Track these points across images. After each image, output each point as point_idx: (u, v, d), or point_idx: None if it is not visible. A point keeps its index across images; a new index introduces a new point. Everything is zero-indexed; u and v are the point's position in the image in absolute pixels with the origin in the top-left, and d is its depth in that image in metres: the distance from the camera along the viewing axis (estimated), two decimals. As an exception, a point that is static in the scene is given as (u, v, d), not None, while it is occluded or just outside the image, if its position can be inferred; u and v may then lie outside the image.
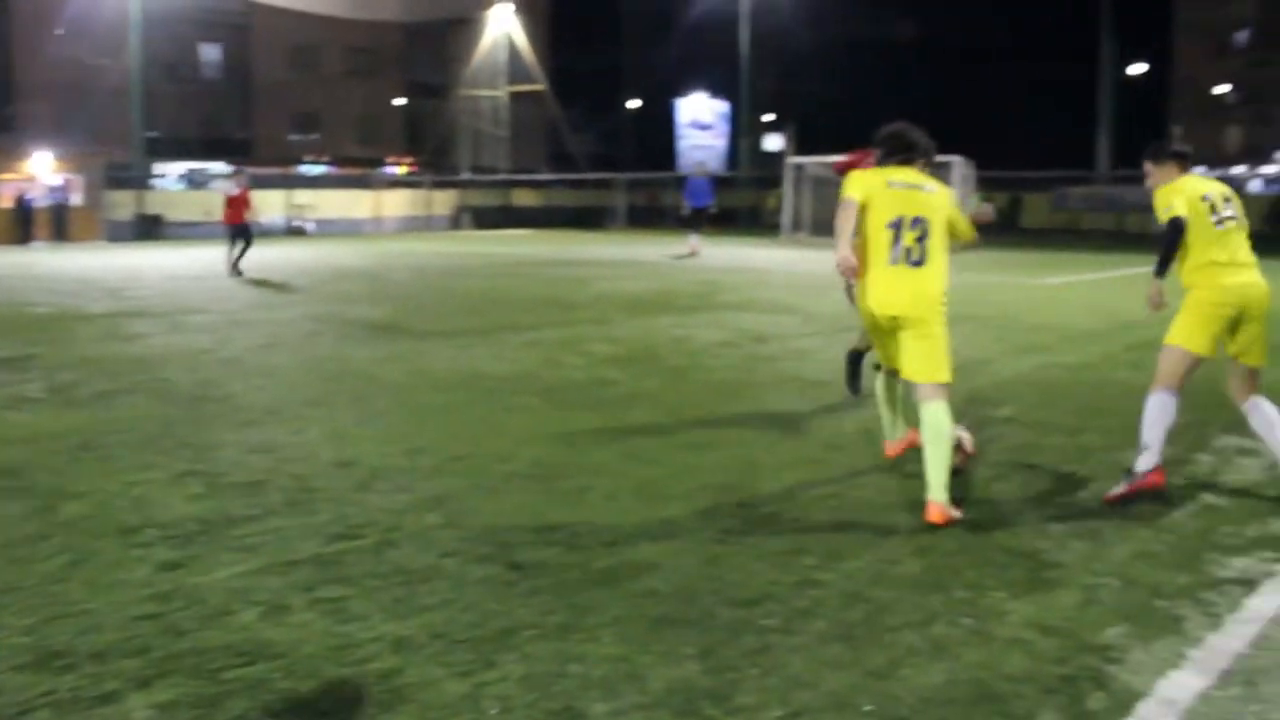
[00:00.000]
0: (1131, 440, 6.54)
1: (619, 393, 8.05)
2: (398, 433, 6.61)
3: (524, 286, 17.62)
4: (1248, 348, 5.62)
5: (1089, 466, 6.00)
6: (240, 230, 19.15)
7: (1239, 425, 7.02)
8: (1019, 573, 4.35)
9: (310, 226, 41.37)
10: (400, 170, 55.51)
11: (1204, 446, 6.53)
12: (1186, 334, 5.55)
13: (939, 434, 5.02)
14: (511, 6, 53.10)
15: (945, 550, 4.59)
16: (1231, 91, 76.41)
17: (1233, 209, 5.59)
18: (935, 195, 5.29)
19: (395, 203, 46.50)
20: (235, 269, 18.72)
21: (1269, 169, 62.33)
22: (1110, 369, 9.34)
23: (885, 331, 5.29)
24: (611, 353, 9.99)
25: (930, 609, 3.95)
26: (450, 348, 10.23)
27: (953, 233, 5.30)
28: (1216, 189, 5.70)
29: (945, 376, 5.13)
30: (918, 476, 5.14)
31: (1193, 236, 5.45)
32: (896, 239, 5.13)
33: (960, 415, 7.21)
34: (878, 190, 5.22)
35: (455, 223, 48.16)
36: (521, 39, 53.10)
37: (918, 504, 5.08)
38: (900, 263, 5.13)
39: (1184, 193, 5.55)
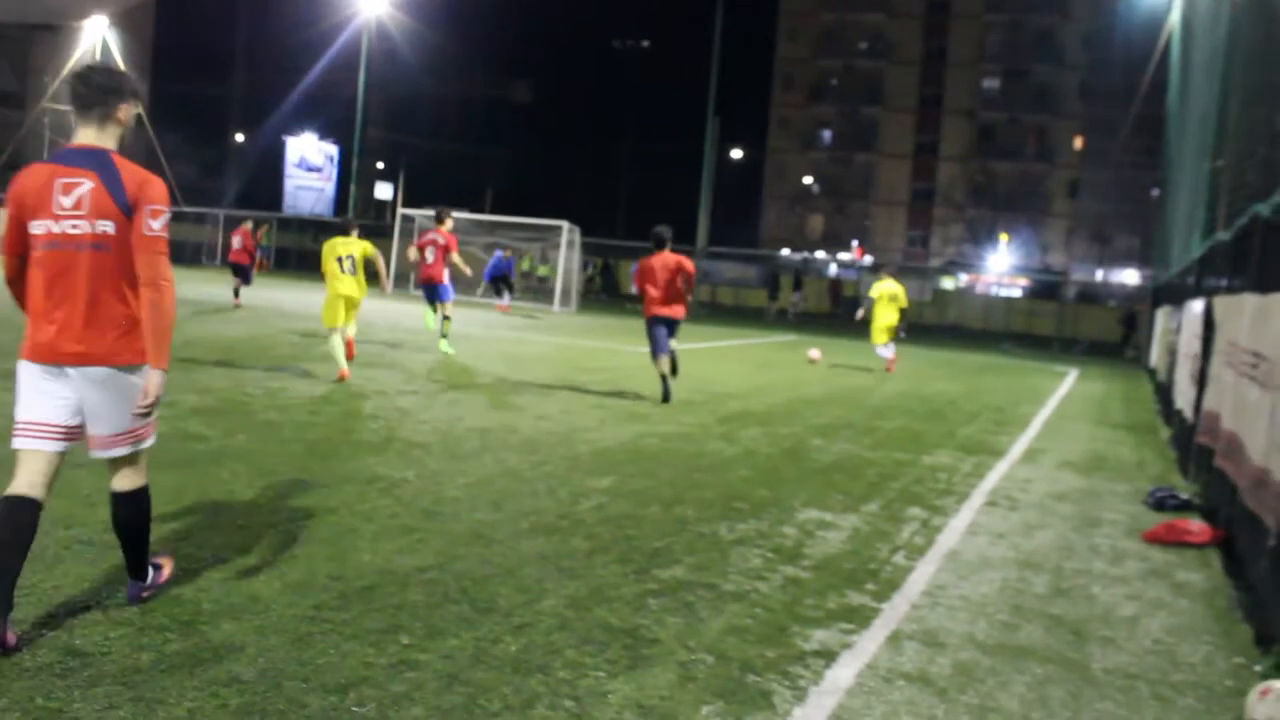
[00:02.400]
0: (725, 513, 6.86)
1: (206, 449, 7.47)
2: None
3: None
4: None
5: (684, 538, 6.15)
6: None
7: (820, 499, 7.54)
8: (618, 650, 4.34)
9: None
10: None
11: (789, 520, 6.88)
12: None
13: None
14: (107, 20, 49.55)
15: (545, 628, 4.51)
16: (815, 183, 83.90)
17: None
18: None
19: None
20: None
21: (844, 255, 68.76)
22: (704, 440, 9.76)
23: None
24: (199, 404, 9.30)
25: (531, 691, 3.85)
26: (7, 393, 9.15)
27: None
28: None
29: None
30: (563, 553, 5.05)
31: None
32: None
33: (563, 482, 7.30)
34: None
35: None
36: (117, 55, 49.59)
37: (518, 576, 5.00)
38: None
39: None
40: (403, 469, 7.35)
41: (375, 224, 46.16)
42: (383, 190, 67.34)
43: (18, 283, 4.15)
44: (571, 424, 9.97)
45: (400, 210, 36.58)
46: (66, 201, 3.99)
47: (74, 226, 3.97)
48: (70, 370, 4.00)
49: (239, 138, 78.96)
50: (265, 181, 67.43)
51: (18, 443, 4.02)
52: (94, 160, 4.05)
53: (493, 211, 36.60)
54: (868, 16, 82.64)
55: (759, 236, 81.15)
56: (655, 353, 12.41)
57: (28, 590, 4.33)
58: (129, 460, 4.33)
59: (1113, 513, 8.21)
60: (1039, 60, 78.08)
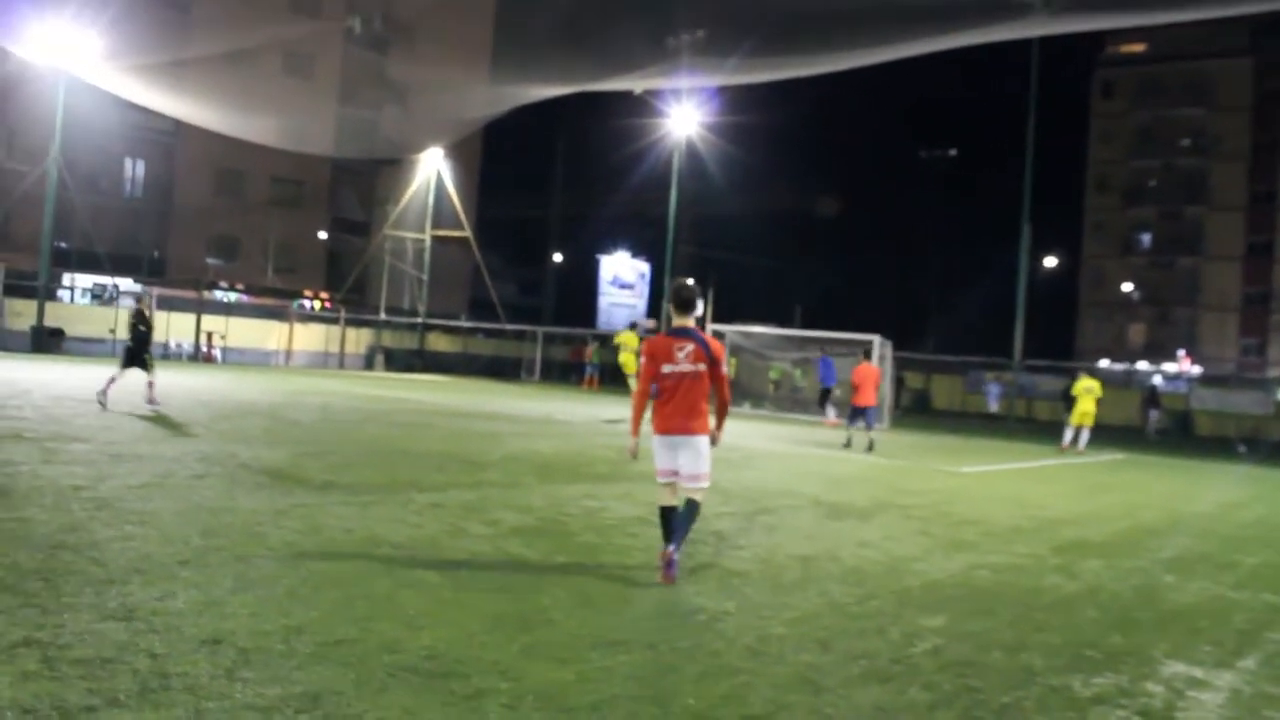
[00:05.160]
0: (1076, 663, 6.13)
1: (526, 571, 7.44)
2: (278, 605, 5.91)
3: (433, 438, 16.99)
4: None
5: (1033, 693, 5.50)
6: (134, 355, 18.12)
7: (1185, 650, 6.66)
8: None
9: (216, 354, 40.36)
10: (316, 305, 54.80)
11: (1152, 674, 6.07)
12: None
13: None
14: (442, 153, 53.47)
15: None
16: (1134, 289, 79.47)
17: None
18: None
19: (308, 337, 45.78)
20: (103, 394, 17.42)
21: (1170, 366, 64.38)
22: (1040, 573, 8.96)
23: None
24: (519, 523, 9.38)
25: None
26: (349, 504, 9.55)
27: None
28: None
29: None
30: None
31: None
32: None
33: (893, 619, 6.78)
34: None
35: (368, 363, 47.52)
36: (450, 184, 53.36)
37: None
38: None
39: None
40: (722, 600, 7.04)
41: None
42: (691, 305, 68.79)
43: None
44: (895, 552, 9.40)
45: (710, 325, 37.07)
46: (681, 355, 7.54)
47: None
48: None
49: (557, 257, 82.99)
50: (580, 299, 70.36)
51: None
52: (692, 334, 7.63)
53: (802, 326, 36.47)
54: (1187, 112, 78.41)
55: (1074, 347, 77.32)
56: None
57: (354, 718, 4.26)
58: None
59: None
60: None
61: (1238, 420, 38.89)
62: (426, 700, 4.62)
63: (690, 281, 7.82)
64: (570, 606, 6.51)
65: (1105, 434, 35.41)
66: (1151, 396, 38.03)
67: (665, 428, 7.62)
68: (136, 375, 17.93)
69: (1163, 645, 6.81)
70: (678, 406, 7.57)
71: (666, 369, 7.56)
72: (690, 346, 7.53)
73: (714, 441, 7.75)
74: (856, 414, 21.72)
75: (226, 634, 5.28)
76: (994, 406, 39.21)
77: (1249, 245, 76.71)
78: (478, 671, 5.06)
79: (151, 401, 17.74)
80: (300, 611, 5.81)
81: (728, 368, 8.13)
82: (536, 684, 4.98)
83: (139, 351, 18.14)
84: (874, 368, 22.53)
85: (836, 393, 30.31)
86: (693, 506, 7.69)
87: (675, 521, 7.61)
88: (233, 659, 4.92)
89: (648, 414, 7.77)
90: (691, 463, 7.61)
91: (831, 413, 29.59)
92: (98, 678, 4.54)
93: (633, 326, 29.64)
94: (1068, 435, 26.24)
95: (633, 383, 24.18)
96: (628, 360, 25.73)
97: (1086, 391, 25.96)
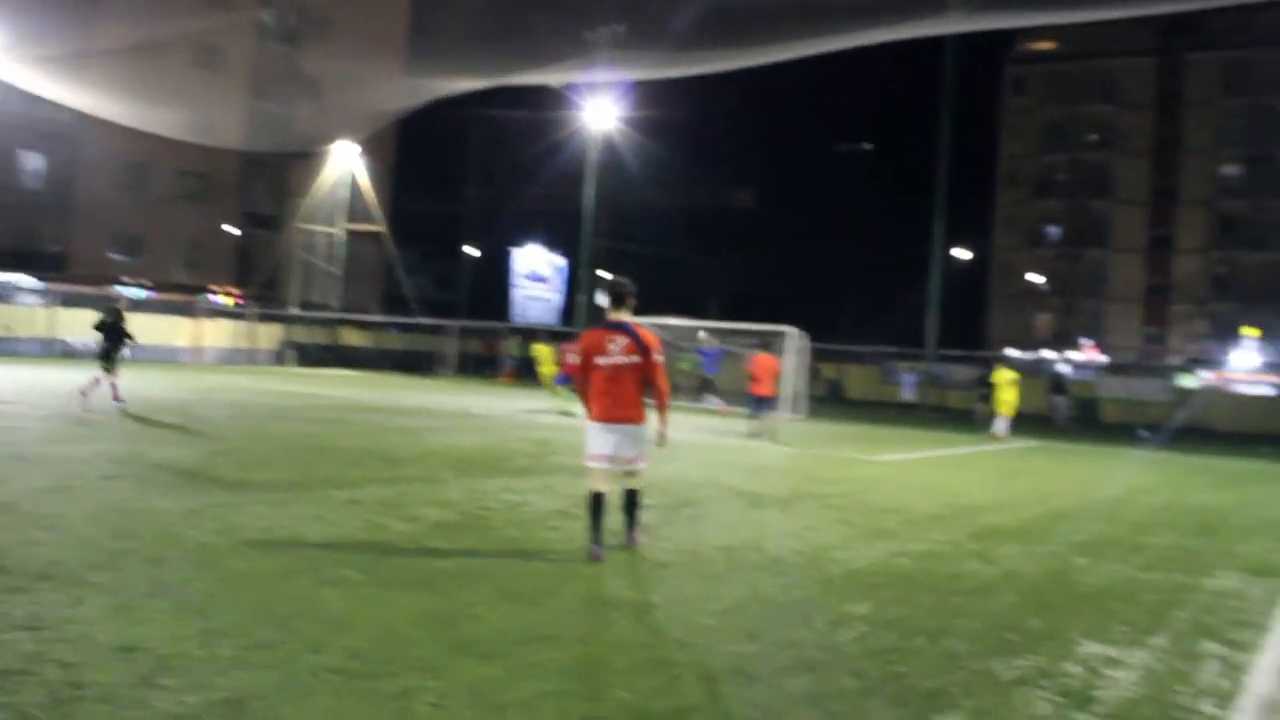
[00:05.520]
0: (998, 647, 6.22)
1: (449, 567, 7.34)
2: (195, 608, 5.75)
3: (349, 435, 16.74)
4: None
5: (958, 678, 5.56)
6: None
7: (1100, 630, 6.79)
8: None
9: (125, 352, 39.37)
10: (226, 300, 53.71)
11: (1069, 655, 6.17)
12: None
13: None
14: (356, 146, 52.73)
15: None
16: (1043, 281, 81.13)
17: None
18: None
19: (217, 333, 44.86)
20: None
21: (1076, 355, 65.87)
22: (959, 559, 9.08)
23: None
24: (440, 519, 9.27)
25: None
26: (264, 503, 9.35)
27: None
28: None
29: None
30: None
31: None
32: None
33: (819, 608, 6.81)
34: None
35: (280, 358, 46.72)
36: (364, 178, 52.64)
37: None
38: None
39: None
40: (649, 592, 7.03)
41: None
42: (607, 299, 68.74)
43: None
44: (817, 541, 9.46)
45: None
46: (613, 348, 7.94)
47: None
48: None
49: (471, 251, 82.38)
50: (495, 292, 69.88)
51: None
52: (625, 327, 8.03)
53: (719, 318, 36.57)
54: (1095, 109, 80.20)
55: (985, 337, 78.77)
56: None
57: (280, 727, 4.16)
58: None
59: None
60: (1285, 143, 73.74)
61: (1141, 407, 39.89)
62: (353, 701, 4.52)
63: (624, 279, 8.28)
64: (495, 601, 6.44)
65: (1016, 422, 36.09)
66: (1057, 384, 38.85)
67: (602, 416, 7.97)
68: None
69: (1078, 626, 6.94)
70: (614, 396, 7.92)
71: (600, 361, 7.93)
72: (623, 339, 7.92)
73: (661, 441, 8.24)
74: (757, 404, 21.98)
75: (142, 640, 5.12)
76: (909, 395, 39.76)
77: (1151, 238, 78.71)
78: (404, 670, 4.97)
79: (117, 399, 17.65)
80: (219, 614, 5.67)
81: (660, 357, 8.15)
82: (465, 681, 4.91)
83: (112, 352, 18.04)
84: (772, 358, 22.69)
85: (718, 382, 31.27)
86: (633, 496, 8.25)
87: (623, 506, 8.30)
88: (150, 666, 4.76)
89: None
90: (628, 448, 7.99)
91: (715, 401, 30.02)
92: (5, 690, 4.37)
93: (550, 338, 29.78)
94: (999, 424, 27.24)
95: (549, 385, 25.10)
96: (548, 373, 26.05)
97: (1009, 382, 27.03)
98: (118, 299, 20.18)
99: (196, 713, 4.23)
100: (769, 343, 25.05)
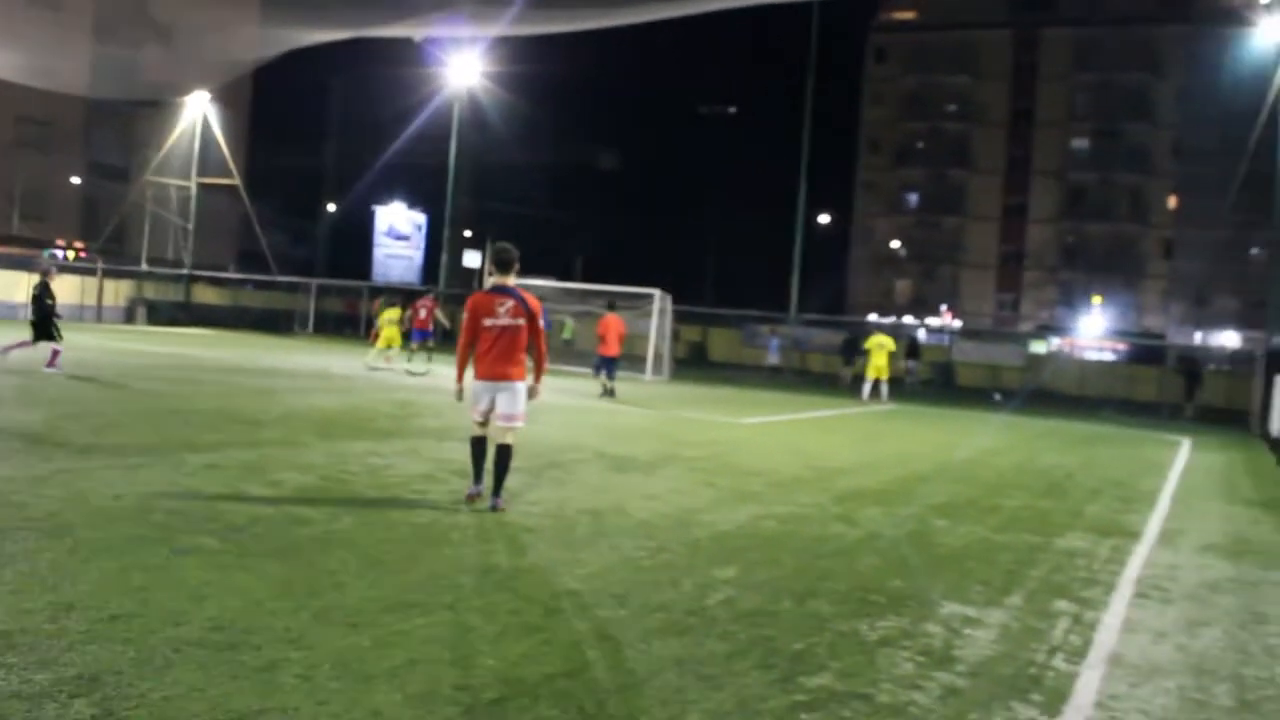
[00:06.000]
0: (862, 608, 6.37)
1: (312, 533, 7.19)
2: (42, 581, 5.50)
3: (204, 396, 16.24)
4: None
5: (824, 639, 5.68)
6: None
7: (959, 591, 7.01)
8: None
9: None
10: (70, 255, 51.41)
11: (931, 615, 6.36)
12: None
13: None
14: (208, 95, 50.86)
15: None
16: (902, 247, 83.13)
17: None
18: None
19: (62, 289, 42.91)
20: None
21: (933, 320, 67.69)
22: (823, 522, 9.28)
23: None
24: (301, 483, 9.06)
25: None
26: (115, 468, 9.00)
27: None
28: None
29: None
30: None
31: None
32: None
33: (685, 572, 6.88)
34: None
35: (129, 315, 45.04)
36: (217, 130, 50.85)
37: (657, 686, 4.58)
38: None
39: None
40: (516, 557, 7.00)
41: (464, 292, 46.45)
42: (471, 258, 68.00)
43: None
44: (683, 505, 9.55)
45: (489, 279, 36.74)
46: (501, 310, 8.43)
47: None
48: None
49: (331, 207, 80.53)
50: (355, 250, 68.51)
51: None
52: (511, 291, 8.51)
53: (583, 279, 36.54)
54: (953, 79, 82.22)
55: (846, 302, 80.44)
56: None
57: (135, 701, 4.01)
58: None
59: (1277, 606, 7.56)
60: (1130, 119, 76.85)
61: (994, 371, 41.27)
62: (215, 674, 4.39)
63: (509, 244, 8.73)
64: (360, 569, 6.33)
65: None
66: (911, 348, 39.90)
67: (486, 374, 8.46)
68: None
69: (939, 587, 7.16)
70: (498, 355, 8.43)
71: (488, 322, 8.42)
72: (510, 303, 8.44)
73: (533, 394, 8.70)
74: (602, 364, 22.68)
75: (-15, 613, 4.88)
76: (774, 359, 40.41)
77: (1006, 207, 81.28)
78: (268, 641, 4.85)
79: (51, 366, 17.49)
80: (68, 587, 5.44)
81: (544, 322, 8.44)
82: (331, 651, 4.81)
83: (47, 322, 18.01)
84: (618, 319, 23.16)
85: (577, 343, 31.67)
86: (505, 451, 8.54)
87: (494, 464, 8.57)
88: (-6, 640, 4.55)
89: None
90: (508, 404, 8.48)
91: None
92: None
93: (393, 302, 29.24)
94: (866, 388, 28.07)
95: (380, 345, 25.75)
96: (392, 334, 25.81)
97: (879, 346, 27.75)
98: (47, 270, 19.56)
99: (46, 691, 4.05)
100: (614, 303, 25.16)
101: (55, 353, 17.79)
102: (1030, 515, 10.75)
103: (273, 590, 5.70)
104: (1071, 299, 76.48)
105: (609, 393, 22.12)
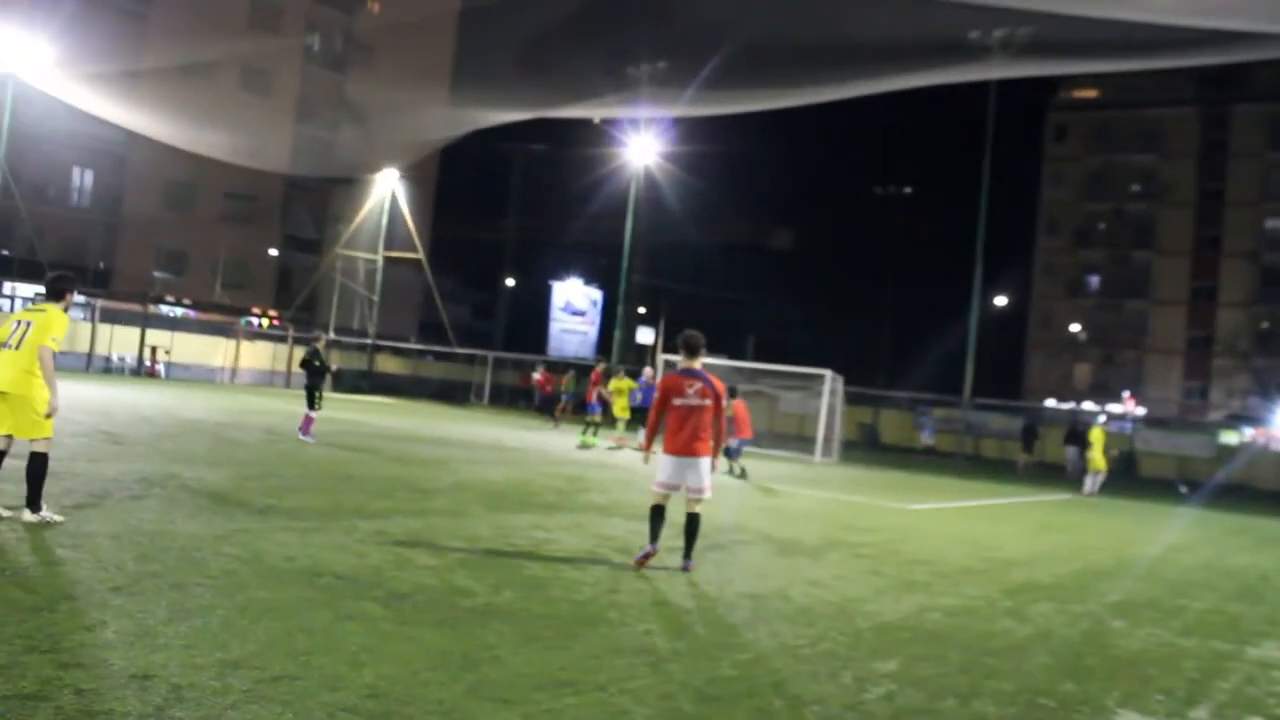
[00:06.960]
0: (1030, 711, 6.05)
1: (472, 604, 7.25)
2: (214, 638, 5.69)
3: (380, 463, 16.73)
4: None
5: (987, 746, 5.41)
6: None
7: (1138, 698, 6.59)
8: None
9: (160, 369, 39.70)
10: (264, 322, 54.09)
11: (1103, 729, 6.00)
12: None
13: None
14: (398, 173, 53.12)
15: None
16: (1082, 330, 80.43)
17: None
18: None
19: (254, 355, 45.19)
20: None
21: (1115, 407, 65.04)
22: (991, 616, 8.90)
23: None
24: (466, 554, 9.19)
25: None
26: (290, 530, 9.30)
27: None
28: None
29: None
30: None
31: None
32: None
33: (845, 663, 6.66)
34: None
35: (314, 382, 46.82)
36: (405, 205, 53.00)
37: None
38: None
39: None
40: (673, 639, 6.90)
41: (636, 368, 46.95)
42: (644, 335, 68.79)
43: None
44: (846, 592, 9.31)
45: (661, 356, 37.01)
46: (690, 390, 9.37)
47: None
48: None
49: (509, 282, 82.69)
50: (532, 324, 70.04)
51: None
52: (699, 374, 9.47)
53: (755, 359, 36.46)
54: (1137, 158, 79.71)
55: (1022, 386, 78.08)
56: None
57: (292, 768, 4.07)
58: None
59: None
60: (1332, 198, 72.98)
61: (1180, 462, 39.31)
62: (366, 744, 4.43)
63: (697, 332, 9.65)
64: (517, 643, 6.34)
65: (1051, 473, 35.66)
66: (1072, 434, 38.03)
67: (677, 449, 9.39)
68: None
69: (1115, 693, 6.75)
70: (687, 432, 9.36)
71: (677, 401, 9.40)
72: (698, 384, 9.42)
73: (713, 468, 9.55)
74: (741, 447, 22.44)
75: (158, 668, 5.06)
76: (928, 440, 39.35)
77: (1194, 290, 77.90)
78: (421, 712, 4.88)
79: (305, 433, 18.83)
80: (237, 645, 5.60)
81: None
82: (481, 727, 4.81)
83: (314, 390, 19.11)
84: (742, 404, 22.89)
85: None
86: (695, 519, 9.56)
87: (684, 531, 9.56)
88: (164, 696, 4.70)
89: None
90: (697, 479, 9.43)
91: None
92: (19, 716, 4.31)
93: (616, 373, 29.50)
94: (1088, 482, 27.25)
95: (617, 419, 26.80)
96: (623, 406, 26.18)
97: (1100, 439, 27.38)
98: (317, 337, 21.02)
99: (207, 749, 4.15)
100: (735, 389, 24.85)
101: (308, 420, 18.76)
102: (1219, 620, 10.09)
103: (430, 660, 5.75)
104: (1266, 388, 72.38)
105: (743, 473, 21.75)
